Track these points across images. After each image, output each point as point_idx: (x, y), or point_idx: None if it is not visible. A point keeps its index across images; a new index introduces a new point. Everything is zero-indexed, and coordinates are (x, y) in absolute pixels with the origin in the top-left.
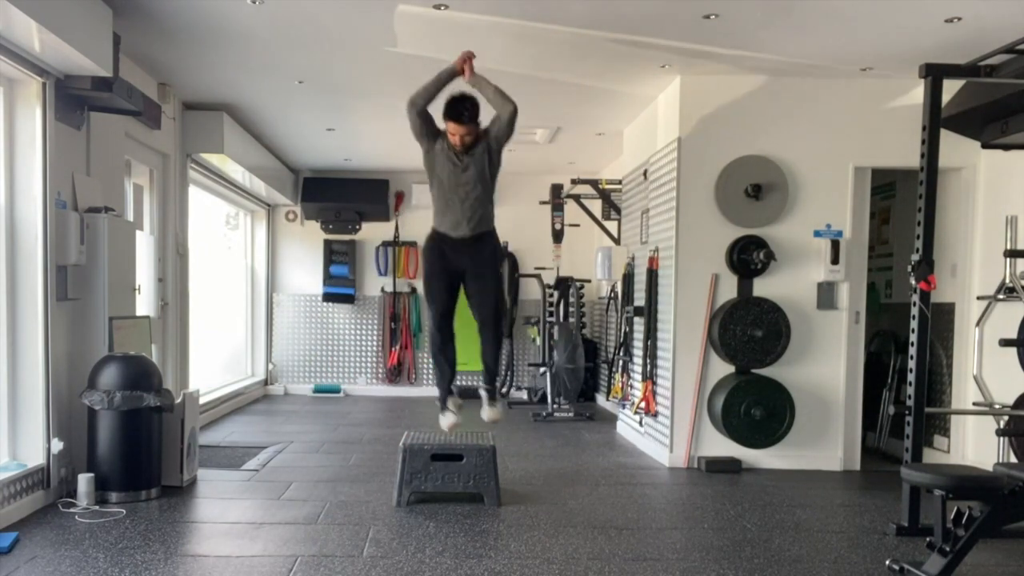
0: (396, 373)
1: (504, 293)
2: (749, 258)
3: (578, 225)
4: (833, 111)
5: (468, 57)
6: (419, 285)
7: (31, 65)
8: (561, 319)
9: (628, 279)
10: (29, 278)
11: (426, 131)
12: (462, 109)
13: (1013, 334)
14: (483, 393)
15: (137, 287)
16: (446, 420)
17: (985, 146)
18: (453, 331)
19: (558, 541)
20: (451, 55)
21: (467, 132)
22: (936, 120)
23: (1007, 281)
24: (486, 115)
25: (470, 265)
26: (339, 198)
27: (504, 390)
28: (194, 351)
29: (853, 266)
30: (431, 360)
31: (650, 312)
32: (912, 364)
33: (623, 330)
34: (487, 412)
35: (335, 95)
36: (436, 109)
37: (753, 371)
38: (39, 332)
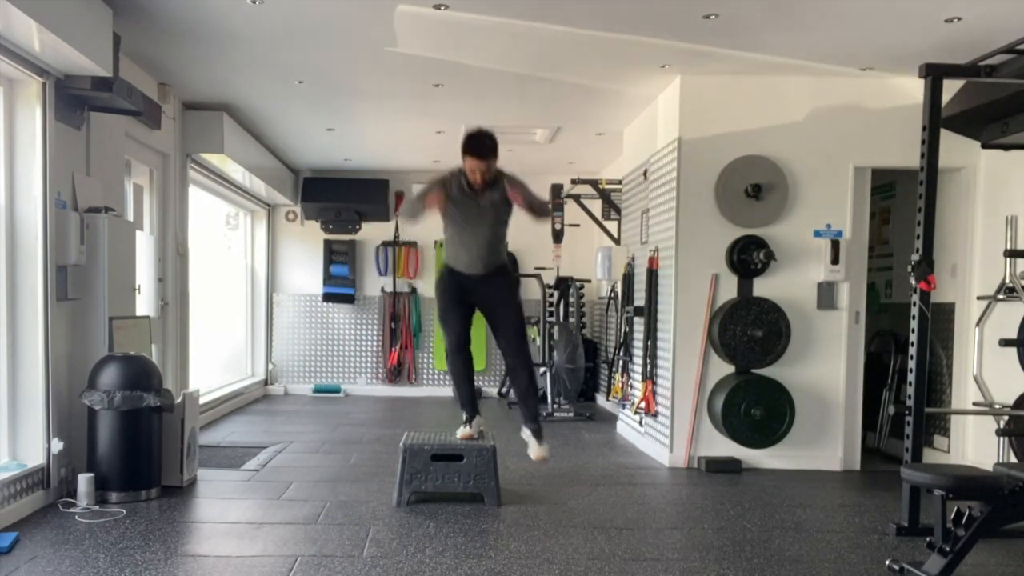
0: (396, 373)
1: (524, 321)
2: (749, 258)
3: (578, 225)
4: (833, 111)
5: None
6: (419, 285)
7: (31, 65)
8: (561, 319)
9: (628, 279)
10: (29, 278)
11: (436, 200)
12: (482, 144)
13: (1013, 334)
14: (527, 432)
15: (137, 287)
16: (462, 431)
17: (985, 146)
18: (471, 352)
19: (558, 541)
20: (451, 55)
21: (486, 168)
22: (936, 120)
23: (1007, 281)
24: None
25: (487, 300)
26: (339, 198)
27: (504, 390)
28: (194, 351)
29: (853, 266)
30: (452, 380)
31: (650, 312)
32: (912, 364)
33: (623, 330)
34: (534, 451)
35: (335, 95)
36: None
37: (753, 371)
38: (39, 332)
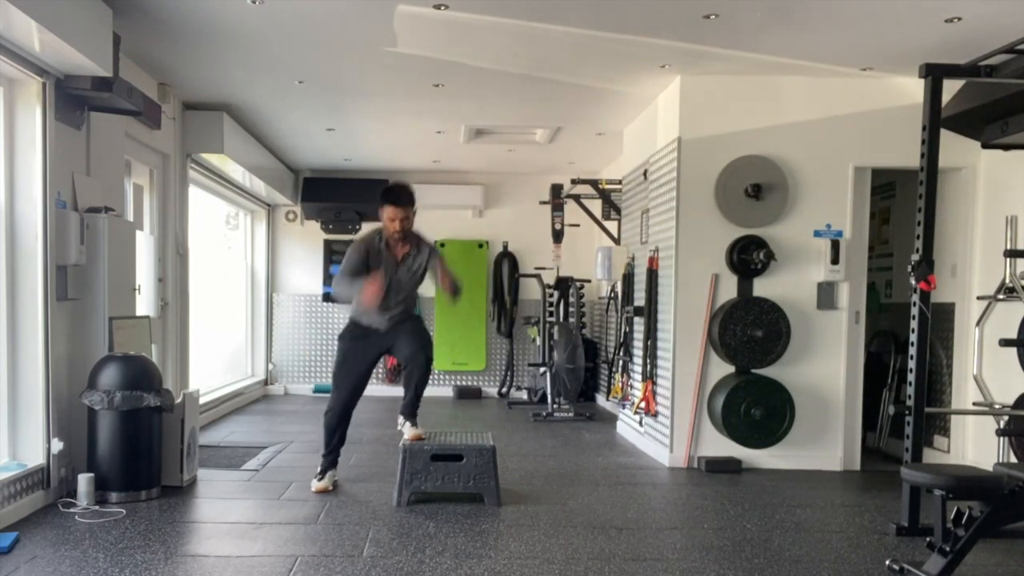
0: (396, 373)
1: (431, 345)
2: (749, 258)
3: (578, 225)
4: (833, 111)
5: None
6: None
7: (31, 65)
8: (561, 319)
9: (628, 279)
10: (29, 278)
11: (364, 269)
12: (398, 193)
13: (1013, 334)
14: (401, 422)
15: (137, 287)
16: (318, 484)
17: (985, 146)
18: (351, 414)
19: (558, 541)
20: (451, 55)
21: (404, 216)
22: (936, 120)
23: (1007, 281)
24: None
25: (394, 339)
26: (339, 198)
27: (504, 390)
28: (194, 351)
29: (853, 266)
30: (325, 430)
31: (650, 312)
32: (912, 364)
33: (623, 330)
34: (410, 432)
35: (335, 95)
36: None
37: (753, 371)
38: (39, 332)
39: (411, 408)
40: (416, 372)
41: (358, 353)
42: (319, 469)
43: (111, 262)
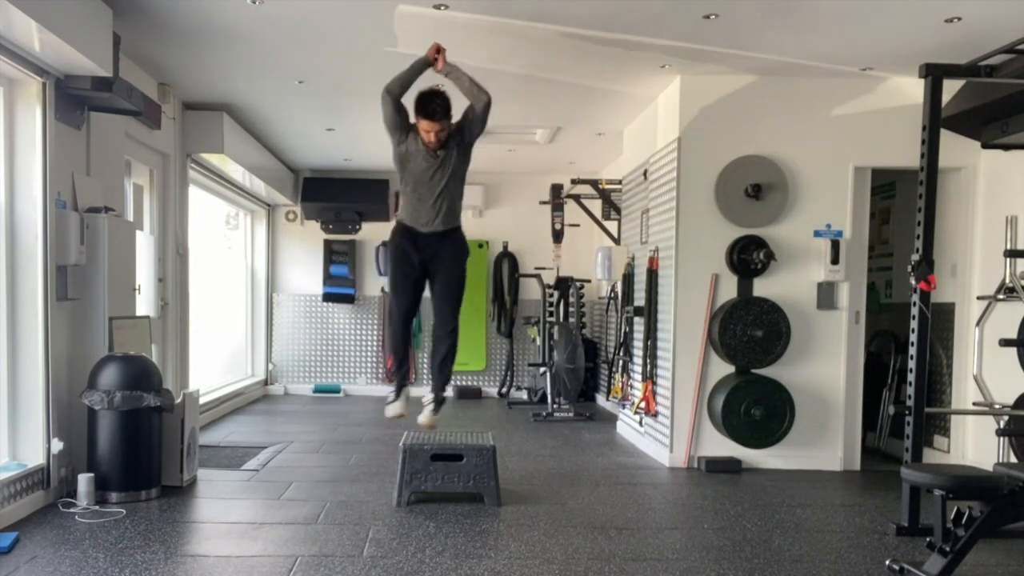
0: None
1: (463, 292)
2: (749, 258)
3: (578, 225)
4: (833, 111)
5: (438, 48)
6: None
7: (31, 65)
8: (561, 319)
9: (628, 279)
10: (29, 278)
11: (400, 123)
12: (434, 105)
13: (1013, 334)
14: (430, 398)
15: (137, 287)
16: (393, 409)
17: (985, 146)
18: (412, 329)
19: (558, 541)
20: (451, 55)
21: (441, 128)
22: (936, 120)
23: (1007, 281)
24: (458, 105)
25: (437, 260)
26: (339, 198)
27: (504, 390)
28: (194, 351)
29: (853, 266)
30: (392, 352)
31: (650, 312)
32: (912, 364)
33: (623, 330)
34: (426, 417)
35: (335, 95)
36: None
37: (753, 371)
38: (39, 332)
39: (439, 387)
40: (441, 350)
41: (406, 263)
42: (393, 391)
43: (111, 262)
